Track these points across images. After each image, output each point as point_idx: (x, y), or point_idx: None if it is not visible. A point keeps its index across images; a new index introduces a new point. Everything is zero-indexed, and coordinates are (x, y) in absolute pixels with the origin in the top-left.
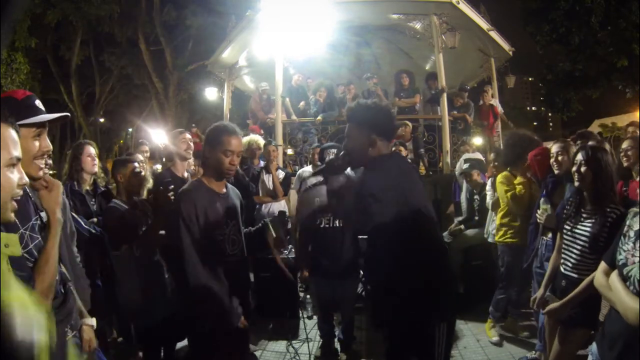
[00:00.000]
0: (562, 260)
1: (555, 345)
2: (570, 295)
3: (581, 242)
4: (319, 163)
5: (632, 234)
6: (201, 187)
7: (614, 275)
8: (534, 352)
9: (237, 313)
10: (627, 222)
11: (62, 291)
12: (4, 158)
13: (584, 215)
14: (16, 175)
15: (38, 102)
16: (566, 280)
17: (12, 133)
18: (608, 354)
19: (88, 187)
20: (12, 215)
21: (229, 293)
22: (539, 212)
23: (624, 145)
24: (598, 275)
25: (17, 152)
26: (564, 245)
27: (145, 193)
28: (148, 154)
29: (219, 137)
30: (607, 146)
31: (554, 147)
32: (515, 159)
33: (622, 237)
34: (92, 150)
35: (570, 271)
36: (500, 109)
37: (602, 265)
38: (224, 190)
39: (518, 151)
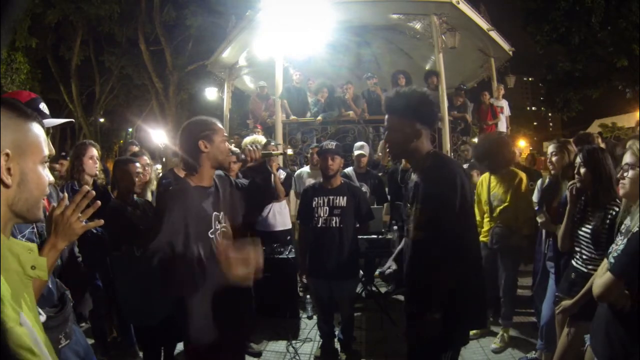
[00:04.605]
0: (573, 255)
1: (563, 337)
2: (580, 293)
3: (586, 238)
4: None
5: (623, 229)
6: (188, 187)
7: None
8: (534, 352)
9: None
10: (623, 222)
11: (58, 300)
12: (39, 156)
13: (588, 213)
14: (47, 173)
15: (43, 106)
16: (575, 273)
17: (42, 131)
18: (596, 339)
19: (88, 188)
20: (42, 214)
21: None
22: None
23: (549, 149)
24: (599, 271)
25: (47, 151)
26: (574, 241)
27: (149, 194)
28: (142, 151)
29: (211, 127)
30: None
31: (549, 148)
32: (509, 160)
33: (616, 234)
34: (94, 152)
35: (580, 265)
36: (507, 111)
37: (604, 261)
38: (212, 183)
39: (506, 152)
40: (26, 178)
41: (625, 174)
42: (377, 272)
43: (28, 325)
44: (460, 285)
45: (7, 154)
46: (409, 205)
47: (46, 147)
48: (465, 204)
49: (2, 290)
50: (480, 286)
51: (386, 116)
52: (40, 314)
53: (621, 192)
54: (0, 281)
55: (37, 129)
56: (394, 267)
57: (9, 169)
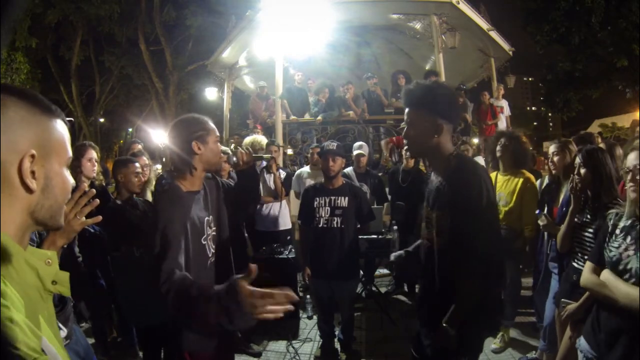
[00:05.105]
0: (573, 256)
1: (565, 340)
2: (585, 296)
3: (589, 239)
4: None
5: (618, 231)
6: (180, 193)
7: (607, 272)
8: (534, 352)
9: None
10: (611, 222)
11: (58, 301)
12: (64, 157)
13: (589, 213)
14: (69, 176)
15: None
16: (577, 274)
17: (66, 129)
18: (607, 351)
19: (86, 189)
20: (63, 220)
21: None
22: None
23: (550, 149)
24: (586, 275)
25: (71, 151)
26: (574, 242)
27: (149, 194)
28: (141, 151)
29: (204, 126)
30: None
31: (550, 148)
32: (528, 158)
33: (608, 236)
34: (93, 154)
35: (581, 266)
36: (507, 111)
37: (589, 264)
38: (201, 186)
39: (524, 150)
40: (51, 183)
41: (637, 177)
42: (391, 257)
43: (51, 351)
44: (484, 293)
45: (33, 155)
46: (429, 208)
47: (70, 147)
48: (492, 208)
49: (19, 315)
50: (499, 292)
51: (406, 110)
52: (60, 328)
53: (632, 195)
54: (12, 306)
55: (61, 127)
56: (403, 254)
57: (32, 172)
